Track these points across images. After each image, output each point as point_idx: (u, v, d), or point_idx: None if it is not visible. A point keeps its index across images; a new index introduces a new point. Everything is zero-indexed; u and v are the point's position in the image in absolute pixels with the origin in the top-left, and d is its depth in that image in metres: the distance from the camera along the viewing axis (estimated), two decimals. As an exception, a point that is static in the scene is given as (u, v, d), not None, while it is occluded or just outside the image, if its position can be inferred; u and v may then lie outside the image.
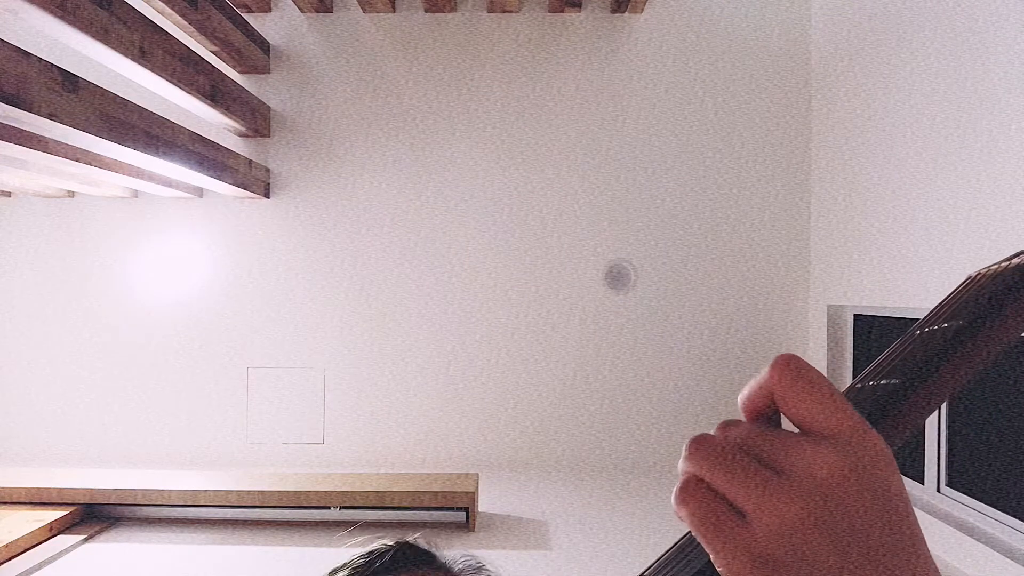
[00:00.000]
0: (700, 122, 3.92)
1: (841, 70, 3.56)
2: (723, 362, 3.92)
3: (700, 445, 0.27)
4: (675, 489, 0.27)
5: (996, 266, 0.30)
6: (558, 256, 3.93)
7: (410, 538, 0.58)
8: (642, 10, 3.84)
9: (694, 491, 0.26)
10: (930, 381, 0.28)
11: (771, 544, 0.24)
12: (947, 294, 0.32)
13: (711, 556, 0.26)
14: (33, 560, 2.62)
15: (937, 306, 0.31)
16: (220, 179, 3.30)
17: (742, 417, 0.29)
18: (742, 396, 0.29)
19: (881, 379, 0.29)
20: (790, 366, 0.26)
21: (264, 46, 3.89)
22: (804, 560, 0.24)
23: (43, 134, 2.40)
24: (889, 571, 0.24)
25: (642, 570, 0.32)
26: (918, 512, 2.82)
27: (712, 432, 0.29)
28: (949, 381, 0.28)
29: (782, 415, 0.28)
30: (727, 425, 0.28)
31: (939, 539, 2.68)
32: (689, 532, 0.30)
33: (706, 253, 3.92)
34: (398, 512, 3.02)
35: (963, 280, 0.32)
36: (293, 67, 3.95)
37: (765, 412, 0.28)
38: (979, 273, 0.31)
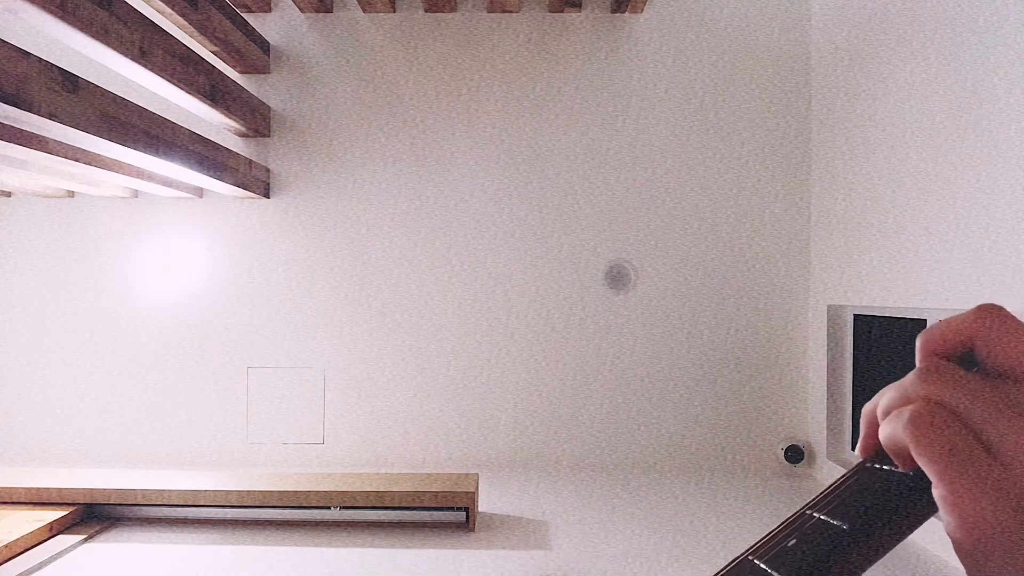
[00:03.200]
0: (700, 122, 3.92)
1: (841, 70, 3.55)
2: (723, 362, 3.92)
3: (947, 371, 0.25)
4: (910, 411, 0.25)
5: (886, 468, 0.28)
6: (558, 256, 3.93)
7: None
8: (642, 10, 3.84)
9: (942, 418, 0.24)
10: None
11: None
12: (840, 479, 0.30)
13: (948, 494, 0.24)
14: (33, 560, 2.62)
15: (828, 490, 0.29)
16: (220, 179, 3.30)
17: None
18: (929, 336, 0.27)
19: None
20: (998, 314, 0.25)
21: (264, 46, 3.89)
22: None
23: (43, 134, 2.40)
24: None
25: (809, 503, 0.29)
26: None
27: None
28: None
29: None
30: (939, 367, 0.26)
31: (939, 538, 2.68)
32: (864, 464, 0.28)
33: (706, 253, 3.92)
34: (398, 512, 3.02)
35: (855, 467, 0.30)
36: (293, 67, 3.95)
37: (952, 356, 0.26)
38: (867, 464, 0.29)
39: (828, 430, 3.68)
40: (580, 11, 3.91)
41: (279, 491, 2.96)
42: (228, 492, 2.98)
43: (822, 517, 0.27)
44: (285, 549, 2.76)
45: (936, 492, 0.24)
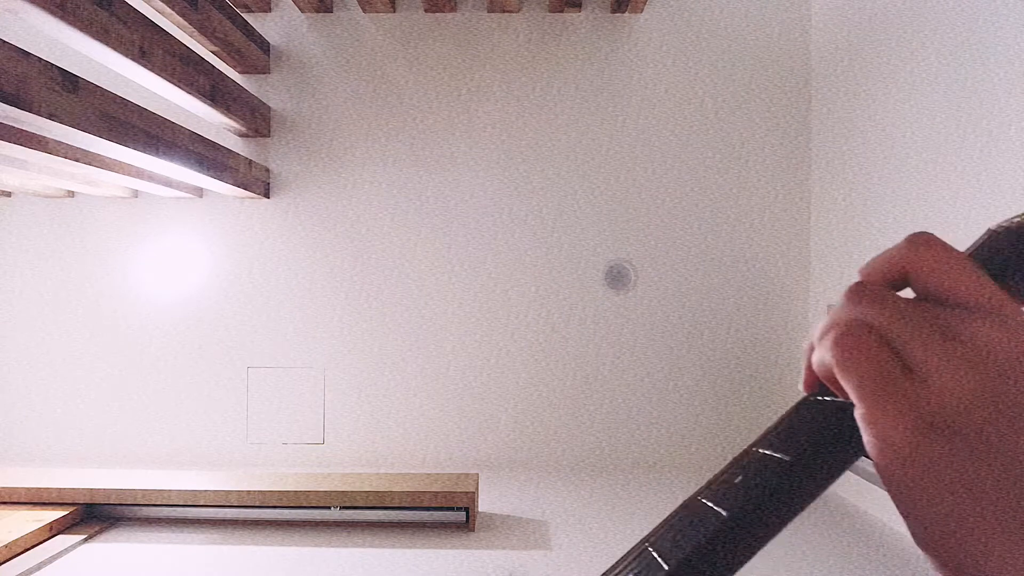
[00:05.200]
0: (700, 122, 3.92)
1: (841, 70, 3.56)
2: (723, 362, 3.92)
3: (875, 292, 0.25)
4: (835, 333, 0.25)
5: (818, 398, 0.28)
6: (558, 256, 3.93)
7: None
8: (642, 10, 3.84)
9: (864, 338, 0.24)
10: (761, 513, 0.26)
11: (948, 409, 0.23)
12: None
13: (867, 414, 0.24)
14: (33, 560, 2.62)
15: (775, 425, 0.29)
16: (220, 179, 3.30)
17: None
18: (867, 268, 0.27)
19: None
20: (933, 242, 0.26)
21: (264, 46, 3.89)
22: (976, 431, 0.23)
23: (43, 134, 2.40)
24: None
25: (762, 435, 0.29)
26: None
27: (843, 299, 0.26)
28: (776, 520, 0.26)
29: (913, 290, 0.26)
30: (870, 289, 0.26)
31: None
32: (807, 398, 0.28)
33: (706, 253, 3.92)
34: (398, 512, 3.02)
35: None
36: (293, 67, 3.95)
37: (892, 286, 0.26)
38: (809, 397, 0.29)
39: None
40: (580, 11, 3.91)
41: (279, 491, 2.96)
42: (228, 492, 2.97)
43: (765, 452, 0.28)
44: (285, 549, 2.76)
45: (856, 412, 0.24)
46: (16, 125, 2.15)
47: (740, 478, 0.28)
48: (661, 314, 3.93)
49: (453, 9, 3.90)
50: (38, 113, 2.02)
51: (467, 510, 2.96)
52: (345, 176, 3.95)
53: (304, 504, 2.97)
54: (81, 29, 2.04)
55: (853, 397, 0.24)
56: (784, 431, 0.28)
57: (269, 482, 3.08)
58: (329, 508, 3.00)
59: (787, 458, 0.26)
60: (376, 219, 3.94)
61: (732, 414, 3.92)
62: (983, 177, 2.43)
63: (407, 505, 2.95)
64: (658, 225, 3.93)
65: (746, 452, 0.29)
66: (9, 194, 3.99)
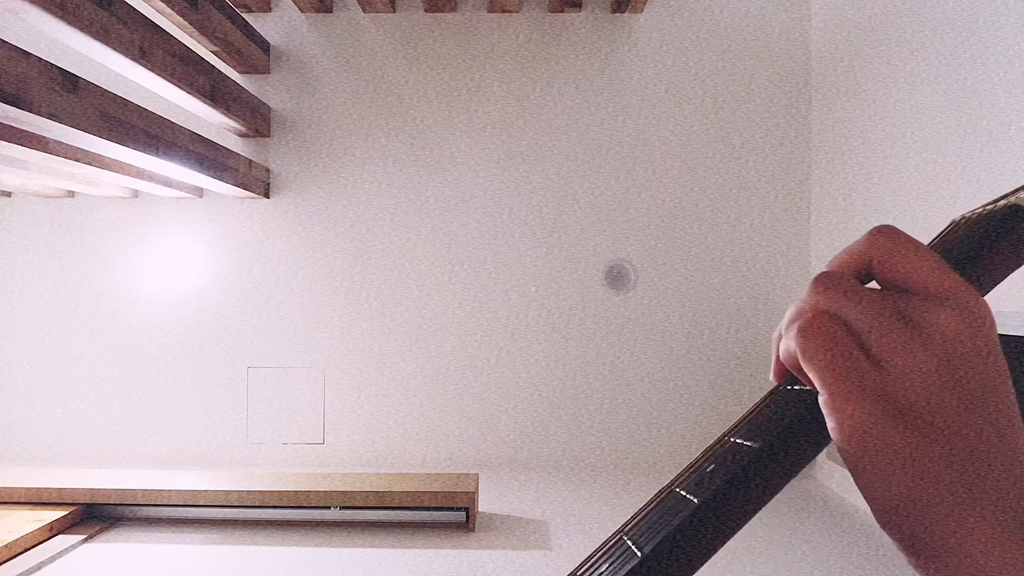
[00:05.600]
0: (700, 122, 3.92)
1: (841, 70, 3.56)
2: (723, 362, 3.92)
3: (838, 281, 0.26)
4: (799, 322, 0.26)
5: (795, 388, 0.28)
6: (558, 256, 3.93)
7: None
8: (642, 10, 3.84)
9: (827, 325, 0.25)
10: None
11: (906, 393, 0.24)
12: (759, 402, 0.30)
13: (829, 399, 0.25)
14: (33, 560, 2.62)
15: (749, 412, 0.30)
16: (220, 179, 3.30)
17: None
18: (833, 263, 0.28)
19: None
20: (895, 233, 0.26)
21: (264, 46, 3.89)
22: (932, 414, 0.24)
23: (43, 134, 2.40)
24: (1005, 430, 0.24)
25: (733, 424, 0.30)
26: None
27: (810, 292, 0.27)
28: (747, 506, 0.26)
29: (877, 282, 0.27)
30: (836, 280, 0.27)
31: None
32: (778, 388, 0.29)
33: (706, 253, 3.92)
34: (398, 512, 3.02)
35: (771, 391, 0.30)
36: (293, 67, 3.95)
37: (858, 278, 0.27)
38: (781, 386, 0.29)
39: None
40: (580, 11, 3.91)
41: (279, 491, 2.96)
42: (228, 492, 2.97)
43: (736, 440, 0.28)
44: (285, 549, 2.76)
45: (820, 399, 0.25)
46: (16, 125, 2.15)
47: (712, 467, 0.28)
48: (661, 314, 3.93)
49: (453, 9, 3.90)
50: (38, 113, 2.02)
51: (467, 510, 2.96)
52: (345, 176, 3.95)
53: (304, 504, 2.97)
54: (81, 29, 2.04)
55: (816, 384, 0.25)
56: (755, 420, 0.29)
57: (269, 482, 3.08)
58: (329, 508, 3.00)
59: (756, 446, 0.27)
60: (376, 219, 3.94)
61: (732, 414, 3.92)
62: (983, 177, 2.43)
63: (407, 505, 2.95)
64: (658, 225, 3.93)
65: (719, 441, 0.30)
66: (9, 194, 3.99)
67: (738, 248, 3.92)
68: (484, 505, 3.22)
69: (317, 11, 3.90)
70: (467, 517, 2.97)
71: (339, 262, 3.95)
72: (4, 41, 1.90)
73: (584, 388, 3.93)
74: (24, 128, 2.20)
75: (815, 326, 0.25)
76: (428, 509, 2.99)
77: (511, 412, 3.93)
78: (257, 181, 3.79)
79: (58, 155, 2.63)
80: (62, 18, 1.94)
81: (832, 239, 3.64)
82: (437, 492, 2.94)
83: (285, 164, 3.95)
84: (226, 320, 3.96)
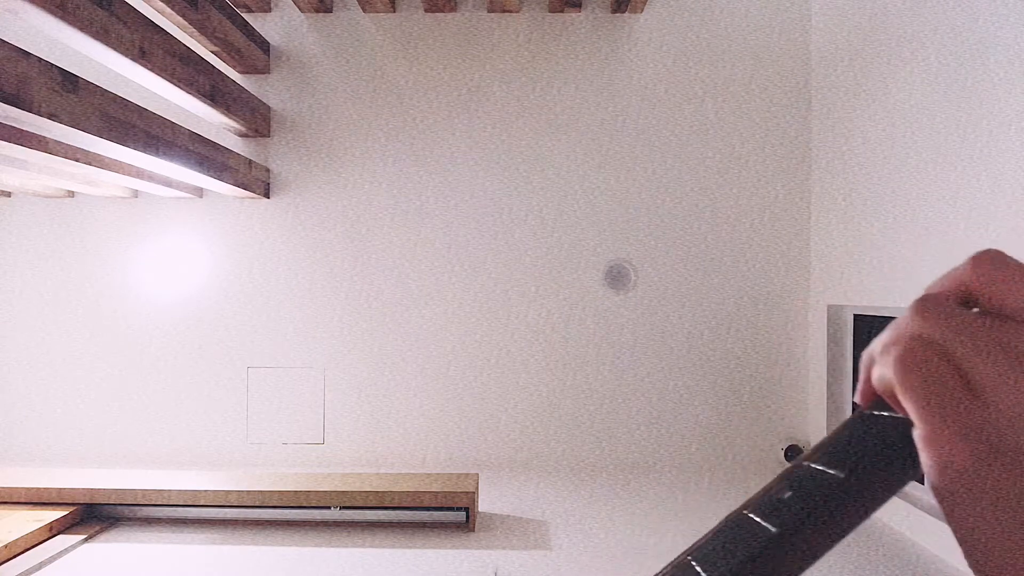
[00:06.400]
0: (700, 122, 3.92)
1: (841, 70, 3.56)
2: (723, 362, 3.92)
3: (939, 306, 0.25)
4: (897, 349, 0.25)
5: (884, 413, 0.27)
6: (558, 256, 3.93)
7: None
8: (642, 10, 3.84)
9: (927, 355, 0.24)
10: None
11: (1008, 430, 0.22)
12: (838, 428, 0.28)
13: (928, 435, 0.23)
14: (33, 560, 2.62)
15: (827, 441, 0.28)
16: (220, 179, 3.30)
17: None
18: (933, 286, 0.27)
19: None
20: (1000, 258, 0.25)
21: (264, 46, 3.88)
22: None
23: (43, 134, 2.40)
24: None
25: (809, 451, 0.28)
26: (919, 512, 2.82)
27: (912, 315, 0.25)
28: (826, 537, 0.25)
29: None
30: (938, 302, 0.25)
31: (938, 539, 2.68)
32: (863, 412, 0.28)
33: (706, 253, 3.92)
34: (398, 512, 3.02)
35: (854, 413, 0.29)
36: (293, 67, 3.95)
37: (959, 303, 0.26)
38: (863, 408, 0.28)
39: (828, 430, 3.67)
40: (580, 11, 3.91)
41: (279, 491, 2.96)
42: (228, 492, 2.98)
43: (817, 467, 0.27)
44: (285, 549, 2.76)
45: (916, 432, 0.24)
46: (16, 125, 2.15)
47: (789, 493, 0.27)
48: (661, 314, 3.93)
49: (453, 9, 3.90)
50: (38, 113, 2.02)
51: (467, 510, 2.96)
52: (345, 176, 3.95)
53: (304, 504, 2.97)
54: (81, 29, 2.04)
55: (913, 416, 0.24)
56: (838, 446, 0.27)
57: (269, 482, 3.08)
58: (329, 508, 3.00)
59: (840, 474, 0.25)
60: (376, 219, 3.94)
61: (732, 414, 3.92)
62: (983, 177, 2.43)
63: (407, 505, 2.95)
64: (658, 225, 3.93)
65: (796, 466, 0.28)
66: (9, 194, 3.99)
67: (738, 248, 3.92)
68: (484, 505, 3.22)
69: (317, 11, 3.90)
70: (467, 517, 2.97)
71: (339, 262, 3.95)
72: (4, 41, 1.90)
73: (584, 388, 3.93)
74: (24, 128, 2.20)
75: (915, 356, 0.24)
76: (428, 509, 2.99)
77: (511, 412, 3.93)
78: (257, 181, 3.79)
79: (58, 155, 2.63)
80: (62, 18, 1.94)
81: (832, 239, 3.64)
82: (437, 492, 2.94)
83: (285, 164, 3.95)
84: (226, 320, 3.96)
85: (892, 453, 0.25)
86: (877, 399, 0.27)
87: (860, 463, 0.25)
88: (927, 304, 0.25)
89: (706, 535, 0.29)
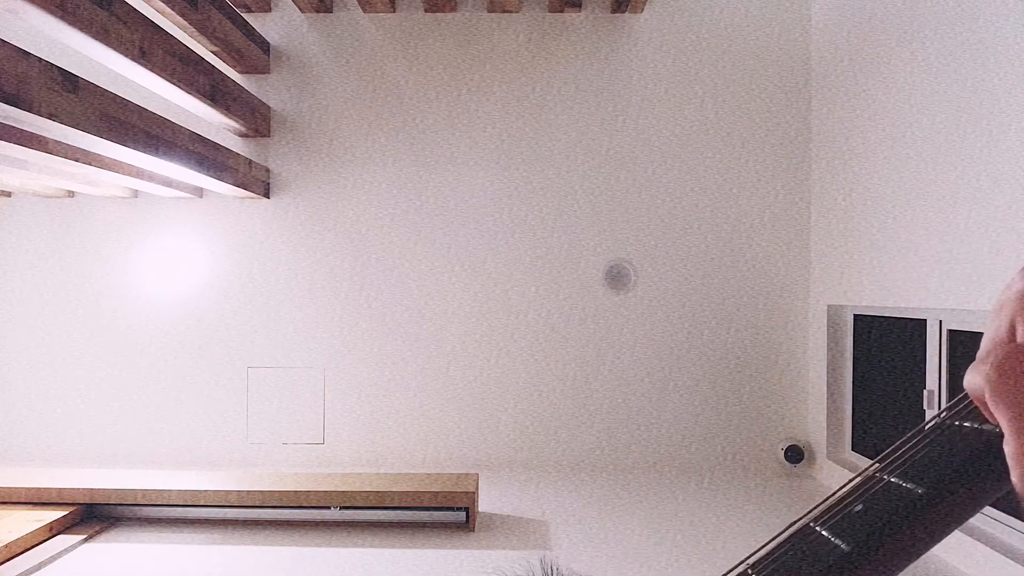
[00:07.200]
0: (700, 122, 3.92)
1: (841, 70, 3.55)
2: (723, 362, 3.92)
3: None
4: (995, 357, 0.23)
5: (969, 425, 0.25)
6: (558, 256, 3.93)
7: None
8: (642, 10, 3.84)
9: (1022, 363, 0.22)
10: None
11: None
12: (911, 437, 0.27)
13: (1018, 451, 0.21)
14: (33, 560, 2.62)
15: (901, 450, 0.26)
16: (220, 179, 3.30)
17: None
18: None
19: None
20: None
21: (264, 46, 3.88)
22: None
23: (43, 134, 2.40)
24: None
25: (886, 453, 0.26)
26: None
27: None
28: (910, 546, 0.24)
29: None
30: None
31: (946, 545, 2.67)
32: (941, 424, 0.26)
33: (706, 253, 3.92)
34: (398, 512, 3.02)
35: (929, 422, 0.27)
36: (293, 67, 3.95)
37: None
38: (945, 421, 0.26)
39: (828, 430, 3.68)
40: (580, 11, 3.91)
41: (279, 491, 2.96)
42: (228, 492, 2.97)
43: (893, 480, 0.25)
44: (285, 549, 2.76)
45: (1006, 446, 0.22)
46: (16, 125, 2.15)
47: (861, 507, 0.25)
48: (661, 314, 3.93)
49: (453, 9, 3.90)
50: (38, 113, 2.02)
51: (467, 510, 2.96)
52: (345, 176, 3.95)
53: (304, 504, 2.97)
54: (81, 29, 2.04)
55: (1005, 429, 0.22)
56: (915, 458, 0.25)
57: (269, 482, 3.08)
58: (329, 508, 3.00)
59: (920, 490, 0.24)
60: (376, 219, 3.94)
61: (732, 414, 3.92)
62: (983, 177, 2.43)
63: (407, 505, 2.95)
64: (658, 225, 3.93)
65: (870, 478, 0.26)
66: (9, 194, 3.99)
67: (738, 248, 3.92)
68: (484, 505, 3.22)
69: (317, 11, 3.90)
70: (467, 517, 2.97)
71: (339, 262, 3.95)
72: (4, 41, 1.90)
73: (584, 388, 3.93)
74: (24, 128, 2.20)
75: (1011, 362, 0.22)
76: (428, 509, 2.99)
77: (511, 412, 3.93)
78: (257, 181, 3.79)
79: (58, 155, 2.63)
80: (62, 18, 1.94)
81: (832, 239, 3.64)
82: (437, 492, 2.94)
83: (285, 164, 3.95)
84: (226, 320, 3.96)
85: (978, 468, 0.24)
86: (963, 411, 0.25)
87: (942, 479, 0.24)
88: None
89: (769, 545, 0.27)
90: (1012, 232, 2.28)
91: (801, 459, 3.78)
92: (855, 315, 3.57)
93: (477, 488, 3.02)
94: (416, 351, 3.94)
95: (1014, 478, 0.22)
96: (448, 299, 3.94)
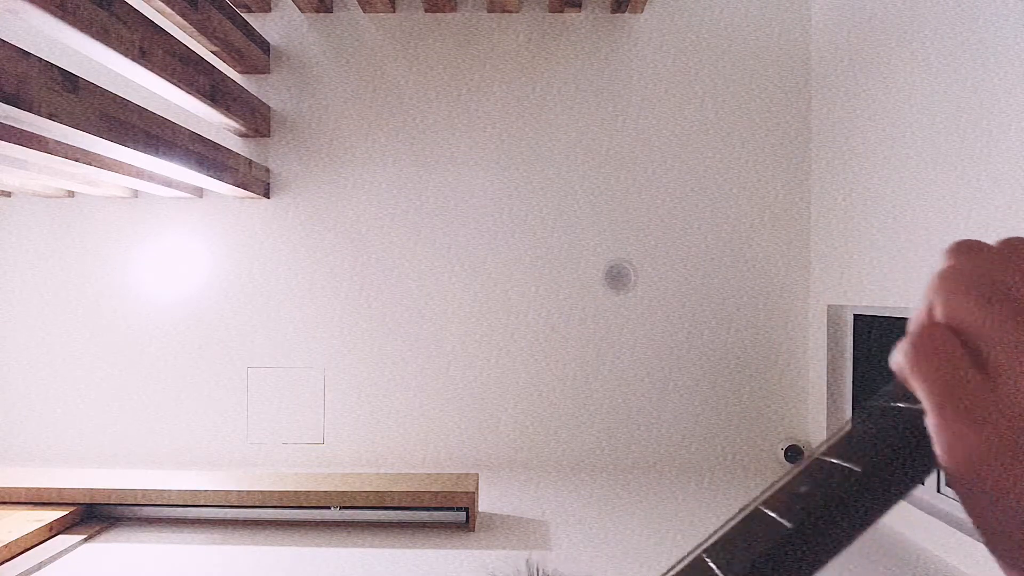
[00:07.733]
0: (700, 122, 3.92)
1: (841, 70, 3.55)
2: (723, 362, 3.92)
3: (964, 280, 0.23)
4: (914, 334, 0.24)
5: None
6: (558, 256, 3.93)
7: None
8: (642, 10, 3.84)
9: (938, 338, 0.23)
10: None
11: (1021, 420, 0.21)
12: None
13: (937, 422, 0.22)
14: (33, 560, 2.62)
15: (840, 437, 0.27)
16: (220, 179, 3.30)
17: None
18: (951, 269, 0.25)
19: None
20: (1019, 246, 0.24)
21: (264, 46, 3.88)
22: None
23: (43, 134, 2.40)
24: None
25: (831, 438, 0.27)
26: (919, 513, 2.82)
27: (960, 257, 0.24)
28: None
29: None
30: (980, 250, 0.24)
31: (939, 539, 2.68)
32: (877, 406, 0.26)
33: (706, 253, 3.92)
34: (398, 512, 3.02)
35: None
36: (293, 67, 3.95)
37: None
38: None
39: (828, 430, 3.68)
40: (580, 11, 3.91)
41: (279, 491, 2.96)
42: (228, 492, 2.97)
43: (833, 460, 0.26)
44: (285, 549, 2.76)
45: (928, 420, 0.23)
46: (16, 125, 2.15)
47: (805, 488, 0.26)
48: (661, 314, 3.93)
49: (453, 9, 3.90)
50: (38, 113, 2.02)
51: (467, 510, 2.96)
52: (345, 176, 3.95)
53: (304, 504, 2.97)
54: (81, 29, 2.04)
55: (925, 403, 0.23)
56: (853, 439, 0.26)
57: (269, 482, 3.08)
58: (329, 508, 3.00)
59: (857, 468, 0.25)
60: (376, 219, 3.94)
61: (732, 414, 3.92)
62: (983, 177, 2.43)
63: (407, 505, 2.95)
64: (658, 225, 3.93)
65: (811, 461, 0.28)
66: (9, 194, 3.99)
67: (738, 248, 3.92)
68: (484, 505, 3.22)
69: (317, 11, 3.90)
70: (467, 517, 2.97)
71: (339, 262, 3.95)
72: (4, 41, 1.90)
73: (584, 388, 3.93)
74: (24, 128, 2.20)
75: (926, 338, 0.23)
76: (428, 509, 2.99)
77: (511, 412, 3.93)
78: (257, 181, 3.79)
79: (58, 155, 2.63)
80: (62, 18, 1.94)
81: (832, 239, 3.64)
82: (437, 492, 2.94)
83: (285, 164, 3.95)
84: (226, 320, 3.96)
85: (909, 445, 0.24)
86: (895, 392, 0.26)
87: (877, 456, 0.25)
88: (951, 274, 0.24)
89: (719, 530, 0.28)
90: (1012, 232, 2.28)
91: (801, 459, 3.77)
92: (855, 315, 3.57)
93: (477, 488, 3.02)
94: (416, 351, 3.94)
95: (936, 448, 0.23)
96: (448, 299, 3.94)
